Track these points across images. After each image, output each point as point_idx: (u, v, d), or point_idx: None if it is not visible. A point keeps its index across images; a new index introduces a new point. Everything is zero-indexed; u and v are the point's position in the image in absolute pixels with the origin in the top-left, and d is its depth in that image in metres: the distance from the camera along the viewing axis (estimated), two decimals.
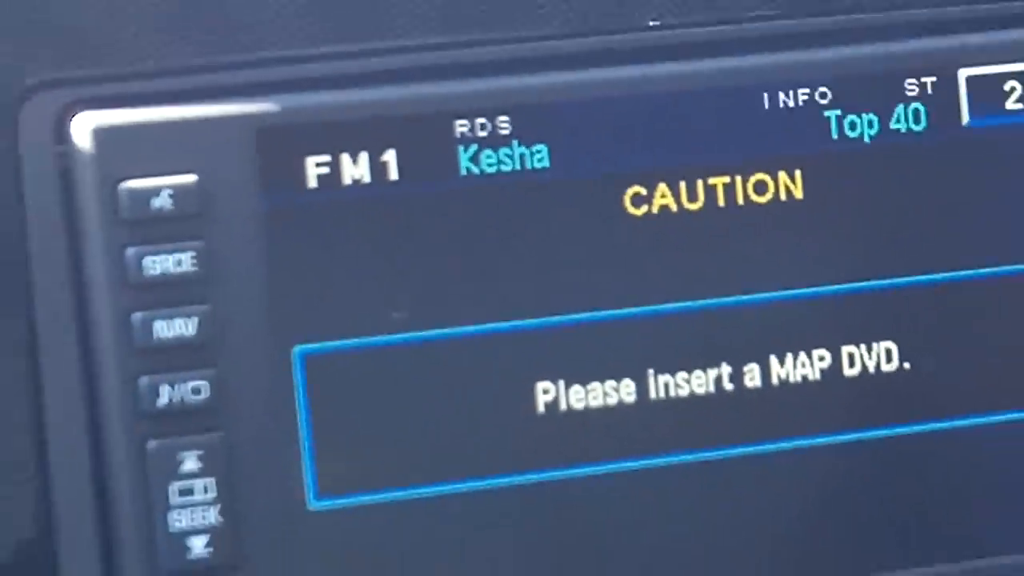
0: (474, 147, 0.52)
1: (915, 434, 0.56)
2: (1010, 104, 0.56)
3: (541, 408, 0.53)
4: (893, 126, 0.55)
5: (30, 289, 0.52)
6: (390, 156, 0.51)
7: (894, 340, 0.54)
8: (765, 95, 0.55)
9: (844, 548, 0.57)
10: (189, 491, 0.50)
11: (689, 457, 0.55)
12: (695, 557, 0.55)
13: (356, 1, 0.56)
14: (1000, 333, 0.57)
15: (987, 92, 0.56)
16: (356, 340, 0.52)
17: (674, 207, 0.53)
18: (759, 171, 0.54)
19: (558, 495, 0.54)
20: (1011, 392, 0.57)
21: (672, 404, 0.54)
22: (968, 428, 0.57)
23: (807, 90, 0.55)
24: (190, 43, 0.54)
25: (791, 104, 0.55)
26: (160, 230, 0.50)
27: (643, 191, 0.53)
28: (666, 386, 0.54)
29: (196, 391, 0.50)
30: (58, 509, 0.54)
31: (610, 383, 0.54)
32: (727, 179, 0.54)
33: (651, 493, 0.55)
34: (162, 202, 0.50)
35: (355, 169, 0.51)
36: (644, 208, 0.53)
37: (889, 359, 0.55)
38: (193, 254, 0.50)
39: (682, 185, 0.53)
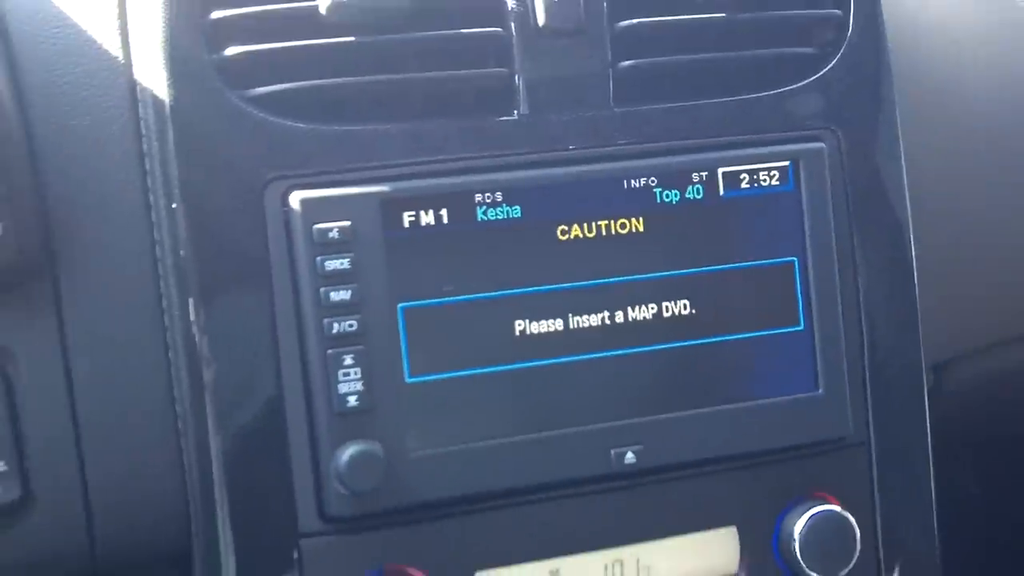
0: (484, 207, 0.83)
1: (701, 344, 0.85)
2: (743, 184, 0.86)
3: (517, 333, 0.82)
4: (687, 196, 0.86)
5: (269, 279, 0.79)
6: (444, 211, 0.82)
7: (688, 298, 0.85)
8: (626, 180, 0.85)
9: (663, 391, 0.84)
10: (347, 373, 0.79)
11: (593, 355, 0.84)
12: (598, 398, 0.83)
13: (418, 135, 0.82)
14: (743, 296, 0.85)
15: (732, 179, 0.86)
16: (425, 301, 0.81)
17: (581, 235, 0.84)
18: (622, 217, 0.84)
19: (535, 374, 0.82)
20: (752, 323, 0.86)
21: (585, 329, 0.83)
22: (729, 340, 0.86)
23: (645, 179, 0.85)
24: (344, 156, 0.81)
25: (638, 185, 0.85)
26: (332, 247, 0.79)
27: (566, 227, 0.84)
28: (580, 321, 0.83)
29: (351, 325, 0.79)
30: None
31: (556, 320, 0.82)
32: (607, 221, 0.84)
33: (582, 371, 0.83)
34: (333, 234, 0.79)
35: (426, 217, 0.82)
36: (567, 236, 0.84)
37: (686, 308, 0.85)
38: (348, 259, 0.80)
39: (586, 224, 0.84)
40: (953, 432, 0.98)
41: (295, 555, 0.81)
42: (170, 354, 0.82)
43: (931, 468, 0.93)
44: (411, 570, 0.82)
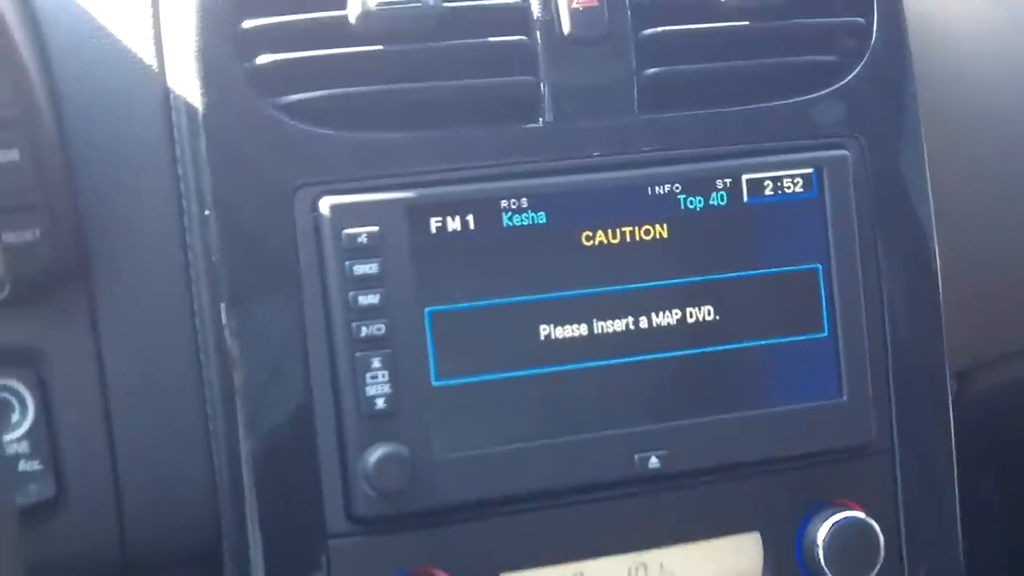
0: (510, 213, 0.83)
1: (724, 350, 0.86)
2: (767, 192, 0.87)
3: (542, 337, 0.83)
4: (712, 202, 0.86)
5: (299, 283, 0.80)
6: (470, 217, 0.82)
7: (712, 304, 0.85)
8: (650, 187, 0.85)
9: (687, 396, 0.85)
10: (375, 376, 0.80)
11: (617, 360, 0.84)
12: (622, 403, 0.83)
13: (445, 143, 0.83)
14: (766, 302, 0.86)
15: (756, 186, 0.86)
16: (451, 305, 0.82)
17: (606, 241, 0.84)
18: (646, 223, 0.85)
19: (560, 379, 0.82)
20: (776, 329, 0.86)
21: (610, 334, 0.83)
22: (753, 346, 0.86)
23: (670, 185, 0.85)
24: (373, 163, 0.82)
25: (662, 192, 0.85)
26: (361, 252, 0.80)
27: (590, 233, 0.84)
28: (604, 326, 0.83)
29: (379, 329, 0.80)
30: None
31: (580, 325, 0.83)
32: (631, 227, 0.85)
33: (606, 376, 0.83)
34: (362, 239, 0.80)
35: (452, 223, 0.82)
36: (591, 242, 0.84)
37: (710, 314, 0.85)
38: (377, 263, 0.80)
39: (610, 231, 0.84)
40: (975, 440, 0.98)
41: (323, 555, 0.82)
42: (201, 357, 0.83)
43: (955, 475, 0.93)
44: (437, 572, 0.83)
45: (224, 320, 0.81)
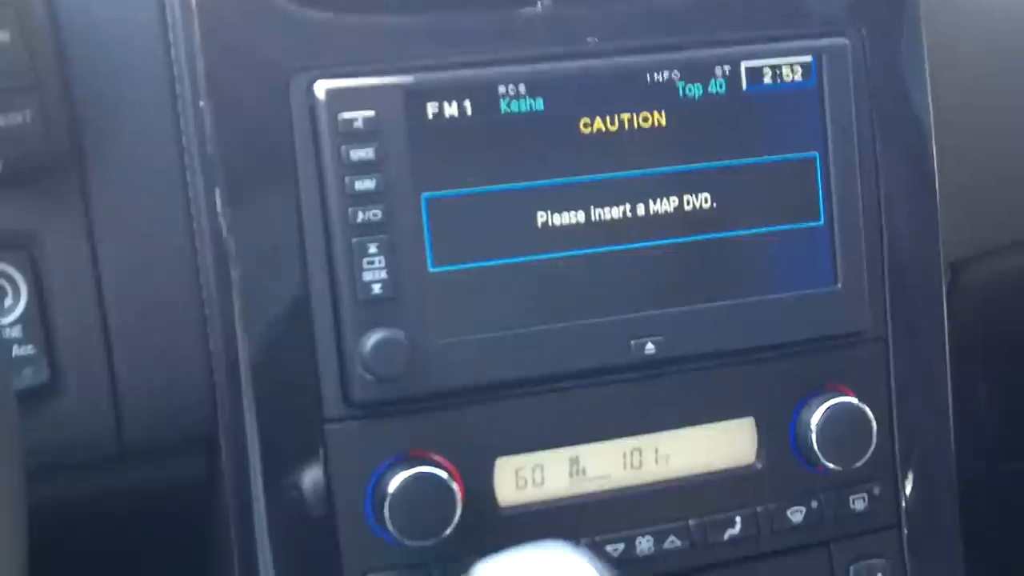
0: (507, 99, 0.82)
1: (721, 237, 0.86)
2: (766, 80, 0.86)
3: (539, 224, 0.82)
4: (711, 90, 0.85)
5: (295, 169, 0.80)
6: (467, 103, 0.82)
7: (709, 192, 0.85)
8: (649, 74, 0.84)
9: (683, 283, 0.85)
10: (372, 262, 0.80)
11: (614, 247, 0.84)
12: (618, 290, 0.83)
13: (443, 27, 0.82)
14: (764, 191, 0.86)
15: (755, 74, 0.86)
16: (448, 191, 0.81)
17: (604, 129, 0.84)
18: (645, 111, 0.84)
19: (557, 266, 0.82)
20: (772, 217, 0.86)
21: (607, 221, 0.84)
22: (749, 234, 0.86)
23: (669, 72, 0.85)
24: (369, 47, 0.81)
25: (661, 79, 0.85)
26: (357, 137, 0.79)
27: (588, 120, 0.83)
28: (602, 213, 0.83)
29: (375, 214, 0.80)
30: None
31: (577, 212, 0.83)
32: (630, 115, 0.84)
33: (603, 263, 0.83)
34: (358, 124, 0.79)
35: (449, 109, 0.81)
36: (589, 129, 0.83)
37: (707, 201, 0.85)
38: (373, 148, 0.80)
39: (608, 118, 0.83)
40: (969, 333, 0.98)
41: (320, 440, 0.82)
42: (197, 242, 0.83)
43: (948, 364, 0.94)
44: (433, 454, 0.83)
45: (219, 208, 0.81)
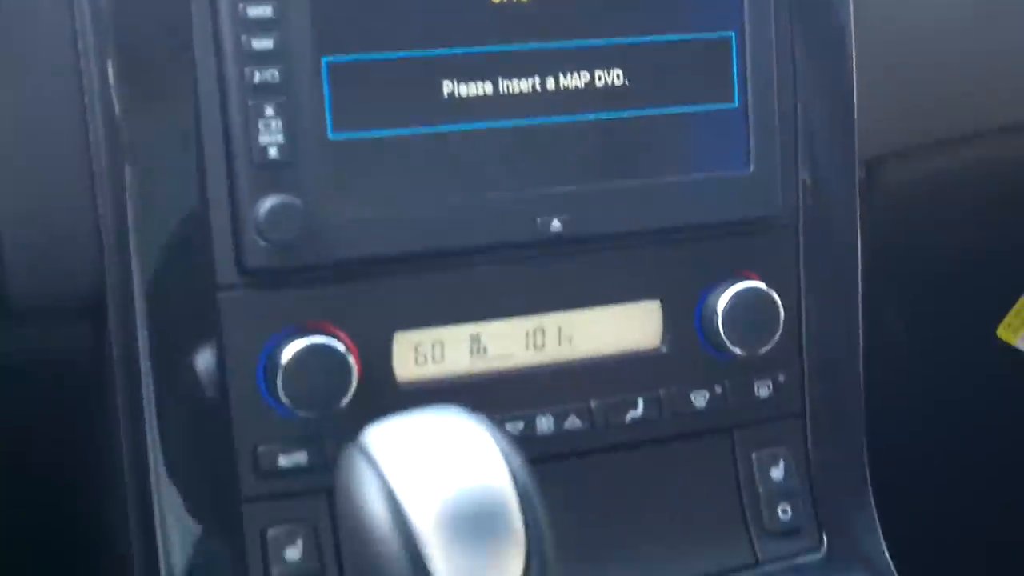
0: None
1: (632, 116, 0.84)
2: None
3: (445, 94, 0.80)
4: None
5: (189, 28, 0.77)
6: None
7: (621, 68, 0.84)
8: None
9: (592, 161, 0.83)
10: (268, 124, 0.76)
11: (523, 121, 0.82)
12: (526, 166, 0.82)
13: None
14: (677, 69, 0.84)
15: None
16: (350, 56, 0.79)
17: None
18: None
19: (462, 138, 0.81)
20: (685, 97, 0.85)
21: (515, 95, 0.82)
22: (662, 113, 0.85)
23: None
24: None
25: None
26: None
27: None
28: (510, 86, 0.81)
29: (273, 75, 0.77)
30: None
31: (485, 83, 0.81)
32: None
33: (510, 137, 0.81)
34: None
35: None
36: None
37: (619, 78, 0.84)
38: (271, 6, 0.76)
39: None
40: (881, 233, 0.98)
41: (213, 307, 0.80)
42: (86, 98, 0.79)
43: (859, 258, 0.93)
44: (329, 325, 0.81)
45: (110, 65, 0.78)
